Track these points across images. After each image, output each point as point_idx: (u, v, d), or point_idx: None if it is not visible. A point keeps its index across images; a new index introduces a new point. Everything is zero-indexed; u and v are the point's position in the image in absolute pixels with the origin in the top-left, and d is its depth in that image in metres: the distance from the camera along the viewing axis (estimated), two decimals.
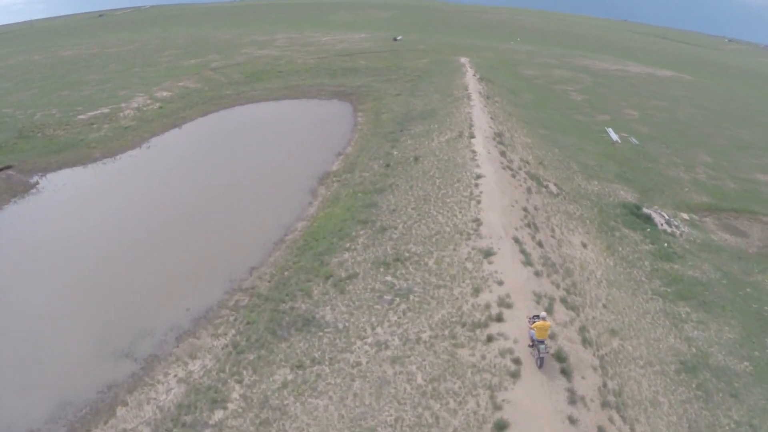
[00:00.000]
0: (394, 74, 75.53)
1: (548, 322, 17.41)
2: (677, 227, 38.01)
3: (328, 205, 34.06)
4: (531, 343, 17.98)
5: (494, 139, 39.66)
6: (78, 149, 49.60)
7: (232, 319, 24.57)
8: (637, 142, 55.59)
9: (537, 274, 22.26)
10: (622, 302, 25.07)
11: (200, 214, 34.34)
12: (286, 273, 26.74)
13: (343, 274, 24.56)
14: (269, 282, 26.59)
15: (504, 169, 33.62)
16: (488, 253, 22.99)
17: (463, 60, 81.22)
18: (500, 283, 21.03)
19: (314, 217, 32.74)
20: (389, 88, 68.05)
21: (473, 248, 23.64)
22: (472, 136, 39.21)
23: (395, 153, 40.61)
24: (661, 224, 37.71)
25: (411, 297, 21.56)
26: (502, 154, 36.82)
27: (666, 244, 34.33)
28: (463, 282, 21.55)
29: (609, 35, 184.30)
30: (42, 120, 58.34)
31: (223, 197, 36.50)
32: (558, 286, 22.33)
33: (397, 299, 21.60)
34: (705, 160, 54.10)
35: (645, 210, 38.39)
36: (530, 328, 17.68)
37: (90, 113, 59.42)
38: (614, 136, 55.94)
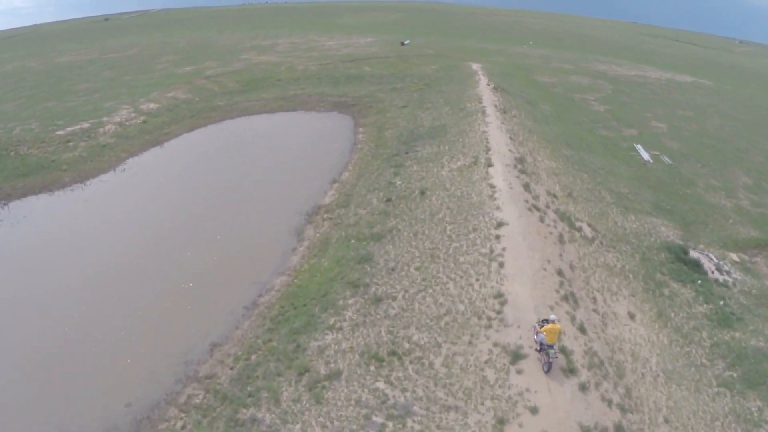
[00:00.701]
0: (400, 82, 68.97)
1: (559, 326, 16.51)
2: (728, 273, 31.44)
3: (314, 253, 27.81)
4: (538, 348, 16.89)
5: (515, 166, 33.17)
6: (48, 172, 43.79)
7: (179, 425, 18.47)
8: (670, 162, 48.77)
9: (583, 388, 15.87)
10: (686, 407, 18.62)
11: (162, 263, 28.18)
12: (253, 357, 20.56)
13: (323, 371, 18.29)
14: (231, 369, 20.42)
15: (530, 210, 27.16)
16: (517, 356, 16.64)
17: (474, 66, 74.39)
18: (534, 410, 14.69)
19: (296, 271, 26.48)
20: (395, 98, 61.58)
21: (495, 344, 17.28)
22: (489, 164, 32.75)
23: (398, 183, 34.25)
24: (712, 271, 31.10)
25: (409, 422, 15.26)
26: (526, 187, 30.34)
27: (722, 302, 27.81)
28: (482, 403, 15.22)
29: (621, 38, 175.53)
30: (20, 135, 52.63)
31: (193, 240, 30.32)
32: (610, 404, 15.90)
33: (390, 425, 15.32)
34: (745, 181, 47.24)
35: (692, 254, 31.80)
36: (539, 332, 16.71)
37: (69, 128, 53.57)
38: (645, 155, 49.15)
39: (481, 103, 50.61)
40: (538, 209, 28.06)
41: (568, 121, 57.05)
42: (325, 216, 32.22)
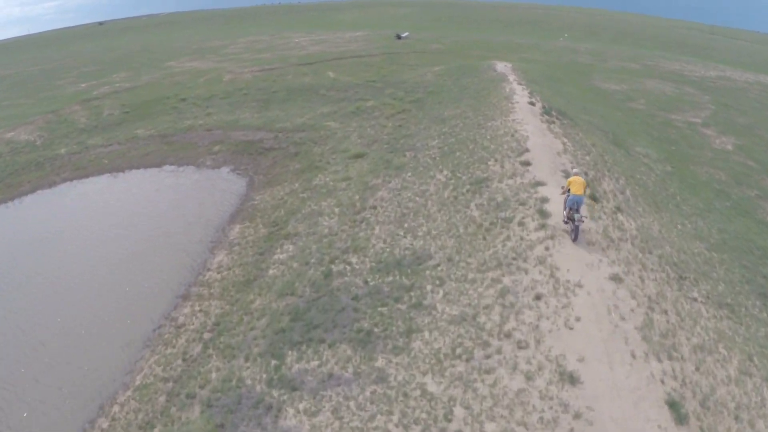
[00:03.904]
0: (374, 97, 37.85)
1: (582, 179, 13.66)
2: None
3: None
4: (566, 219, 13.76)
5: None
6: None
7: None
8: None
9: None
10: None
11: None
12: None
13: None
14: None
15: None
16: None
17: (501, 67, 41.85)
18: None
19: None
20: (351, 132, 30.68)
21: None
22: None
23: None
24: None
25: None
26: None
27: None
28: None
29: (661, 31, 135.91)
30: None
31: None
32: None
33: None
34: None
35: None
36: (565, 191, 13.82)
37: None
38: None
39: (527, 162, 19.36)
40: None
41: (699, 185, 24.97)
42: None
